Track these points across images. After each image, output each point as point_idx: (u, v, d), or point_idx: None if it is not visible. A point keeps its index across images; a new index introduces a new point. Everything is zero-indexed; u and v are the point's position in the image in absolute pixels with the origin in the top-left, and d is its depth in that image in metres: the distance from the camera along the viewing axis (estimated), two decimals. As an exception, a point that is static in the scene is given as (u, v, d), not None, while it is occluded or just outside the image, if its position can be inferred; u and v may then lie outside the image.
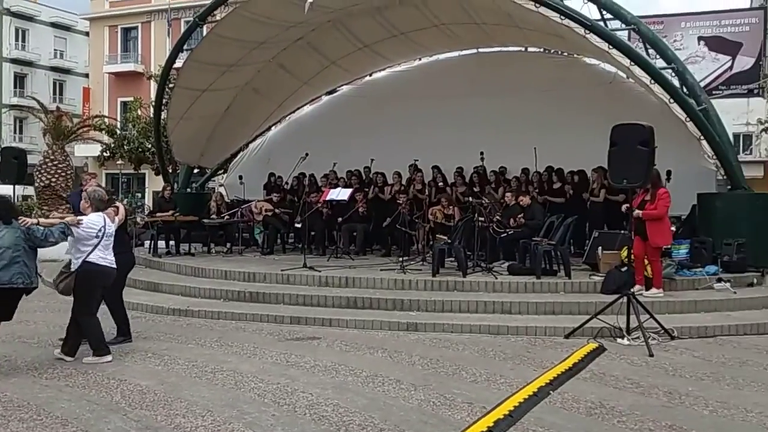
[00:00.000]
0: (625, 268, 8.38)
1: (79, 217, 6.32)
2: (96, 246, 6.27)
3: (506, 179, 12.85)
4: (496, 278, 9.26)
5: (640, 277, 8.50)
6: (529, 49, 14.50)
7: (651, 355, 6.52)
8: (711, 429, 4.66)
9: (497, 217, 10.80)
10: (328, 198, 11.84)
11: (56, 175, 19.57)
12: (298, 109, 16.42)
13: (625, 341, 7.01)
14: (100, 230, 6.30)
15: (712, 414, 4.95)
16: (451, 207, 11.54)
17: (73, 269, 6.32)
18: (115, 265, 6.48)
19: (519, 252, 10.23)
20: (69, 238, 6.31)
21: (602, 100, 12.52)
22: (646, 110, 10.84)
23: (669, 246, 9.44)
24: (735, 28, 27.75)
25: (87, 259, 6.25)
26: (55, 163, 19.98)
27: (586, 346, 6.84)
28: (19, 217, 6.08)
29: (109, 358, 6.37)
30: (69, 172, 19.94)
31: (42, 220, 6.28)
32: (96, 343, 6.40)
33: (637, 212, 8.19)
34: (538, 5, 9.73)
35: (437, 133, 14.15)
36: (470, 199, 11.34)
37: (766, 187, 25.72)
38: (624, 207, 8.40)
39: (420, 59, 15.60)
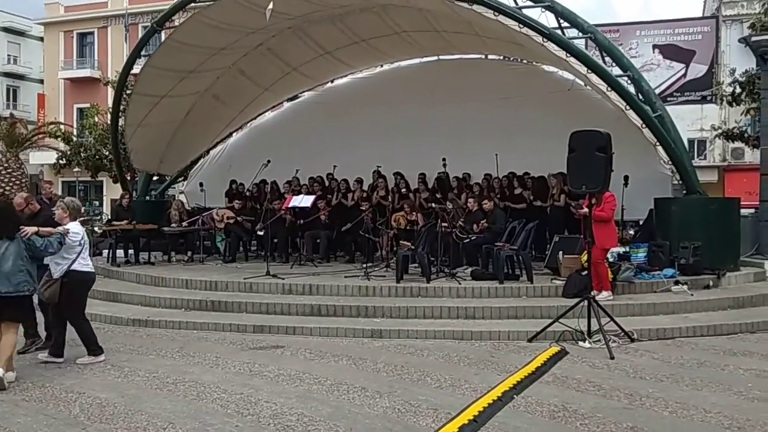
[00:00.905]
0: (585, 272, 8.51)
1: (65, 227, 6.52)
2: (79, 254, 6.56)
3: (468, 185, 12.94)
4: (460, 283, 9.31)
5: (596, 281, 8.61)
6: (489, 57, 14.67)
7: (612, 358, 6.62)
8: (671, 430, 4.75)
9: (460, 223, 10.86)
10: (290, 205, 11.78)
11: (10, 183, 19.09)
12: (260, 115, 16.30)
13: (587, 344, 7.10)
14: (82, 238, 6.61)
15: (671, 415, 5.05)
16: (414, 213, 11.58)
17: (56, 277, 6.51)
18: (94, 269, 6.85)
19: (482, 257, 10.28)
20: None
21: (561, 107, 12.70)
22: (603, 117, 11.08)
23: (620, 250, 9.63)
24: (688, 36, 28.55)
25: (72, 268, 6.53)
26: (9, 170, 19.47)
27: (548, 350, 6.91)
28: (21, 228, 6.23)
29: (102, 357, 6.71)
30: (24, 180, 19.47)
31: (41, 229, 6.40)
32: (91, 344, 6.73)
33: (583, 210, 8.28)
34: (497, 14, 9.85)
35: (400, 140, 14.19)
36: (433, 205, 11.40)
37: (721, 192, 26.48)
38: (572, 207, 8.51)
39: (381, 66, 15.64)
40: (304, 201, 11.60)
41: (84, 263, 6.64)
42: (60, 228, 6.51)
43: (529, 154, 12.74)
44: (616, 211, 8.80)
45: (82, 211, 7.02)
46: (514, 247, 9.76)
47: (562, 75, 13.12)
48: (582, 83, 12.25)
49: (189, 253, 13.12)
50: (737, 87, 18.15)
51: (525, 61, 14.29)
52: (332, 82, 15.96)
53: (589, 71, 10.33)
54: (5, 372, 5.85)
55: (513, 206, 12.16)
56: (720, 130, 21.05)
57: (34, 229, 6.28)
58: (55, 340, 6.79)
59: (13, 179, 19.21)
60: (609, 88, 10.45)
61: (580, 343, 7.16)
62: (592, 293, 8.25)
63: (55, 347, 6.76)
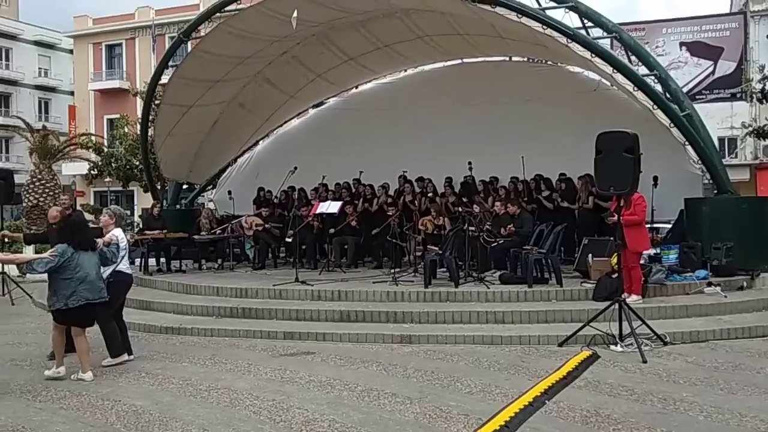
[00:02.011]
0: (615, 275, 8.42)
1: (109, 234, 7.01)
2: (123, 258, 7.07)
3: (495, 188, 12.89)
4: (488, 288, 9.28)
5: (637, 285, 8.51)
6: (513, 59, 14.60)
7: (644, 362, 6.55)
8: (706, 434, 4.69)
9: (487, 227, 10.82)
10: (318, 211, 11.83)
11: (44, 194, 19.49)
12: (286, 122, 16.42)
13: (619, 348, 7.04)
14: (125, 244, 7.19)
15: (706, 419, 4.98)
16: (441, 217, 11.55)
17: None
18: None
19: (510, 261, 10.24)
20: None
21: (587, 108, 12.60)
22: (630, 117, 10.98)
23: (651, 251, 9.51)
24: (716, 33, 28.09)
25: (117, 269, 7.02)
26: (43, 182, 19.89)
27: (579, 354, 6.86)
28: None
29: (124, 357, 7.01)
30: (57, 190, 19.85)
31: (104, 239, 6.92)
32: (115, 344, 7.01)
33: (614, 219, 8.21)
34: (520, 16, 9.81)
35: (425, 144, 14.20)
36: (460, 209, 11.38)
37: (753, 190, 26.01)
38: (609, 218, 8.45)
39: (405, 71, 15.66)
40: (331, 207, 11.65)
41: (126, 266, 7.23)
42: (110, 236, 7.00)
43: (555, 156, 12.63)
44: (646, 212, 8.68)
45: (126, 219, 7.41)
46: (543, 251, 9.70)
47: (588, 75, 13.02)
48: (608, 83, 12.15)
49: (219, 261, 13.25)
50: (767, 83, 17.83)
51: (549, 63, 14.19)
52: (357, 87, 16.02)
53: (615, 71, 10.23)
54: (86, 372, 6.43)
55: (542, 207, 12.07)
56: (750, 128, 20.71)
57: (106, 239, 6.90)
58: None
59: (47, 190, 19.60)
60: (636, 88, 10.34)
61: (612, 347, 7.10)
62: (623, 296, 8.17)
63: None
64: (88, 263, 6.46)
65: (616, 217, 8.07)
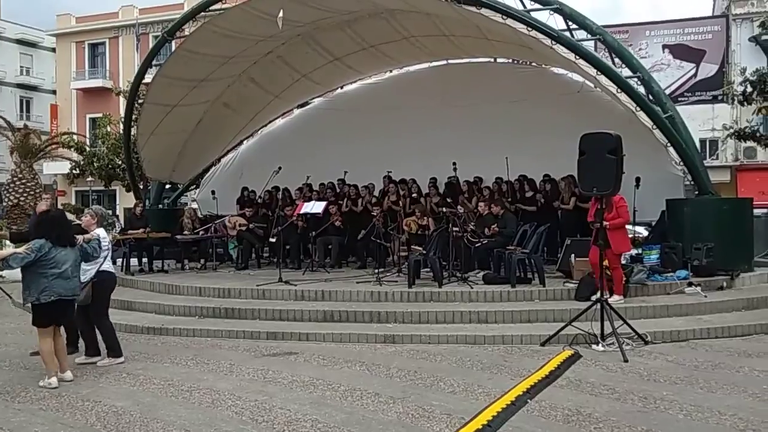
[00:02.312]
0: (599, 274, 8.47)
1: (91, 233, 6.98)
2: (106, 258, 7.07)
3: (479, 189, 12.94)
4: (472, 288, 9.31)
5: (618, 285, 8.59)
6: (498, 60, 14.65)
7: (626, 361, 6.60)
8: (686, 432, 4.73)
9: (471, 227, 10.86)
10: (302, 211, 11.81)
11: (25, 194, 19.31)
12: (270, 122, 16.37)
13: (600, 347, 7.08)
14: (109, 243, 7.20)
15: (686, 418, 5.02)
16: (425, 218, 11.58)
17: (87, 279, 6.89)
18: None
19: (493, 261, 10.30)
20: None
21: (571, 109, 12.65)
22: (613, 119, 11.05)
23: (633, 252, 9.60)
24: (698, 35, 28.38)
25: (101, 269, 7.03)
26: (24, 181, 19.69)
27: (562, 354, 6.90)
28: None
29: (122, 359, 7.03)
30: (38, 190, 19.67)
31: (84, 236, 6.84)
32: (114, 344, 7.09)
33: (605, 224, 8.26)
34: (504, 17, 9.85)
35: (410, 145, 14.21)
36: (444, 209, 11.41)
37: (733, 192, 26.32)
38: (591, 224, 8.50)
39: (390, 71, 15.67)
40: (316, 207, 11.64)
41: (109, 265, 7.24)
42: (93, 234, 6.99)
43: (539, 157, 12.69)
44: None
45: (108, 218, 7.40)
46: (526, 251, 9.76)
47: (572, 77, 13.09)
48: (592, 85, 12.21)
49: (202, 261, 13.19)
50: (748, 86, 18.04)
51: (534, 64, 14.25)
52: (342, 88, 16.00)
53: (599, 73, 10.30)
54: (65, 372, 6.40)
55: (524, 209, 12.14)
56: (732, 130, 20.92)
57: (87, 236, 6.85)
58: (90, 341, 7.19)
59: (28, 190, 19.41)
60: (619, 90, 10.42)
61: (594, 346, 7.14)
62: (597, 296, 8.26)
63: (91, 348, 7.18)
64: (65, 259, 6.37)
65: (601, 224, 8.13)
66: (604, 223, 8.16)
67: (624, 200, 8.55)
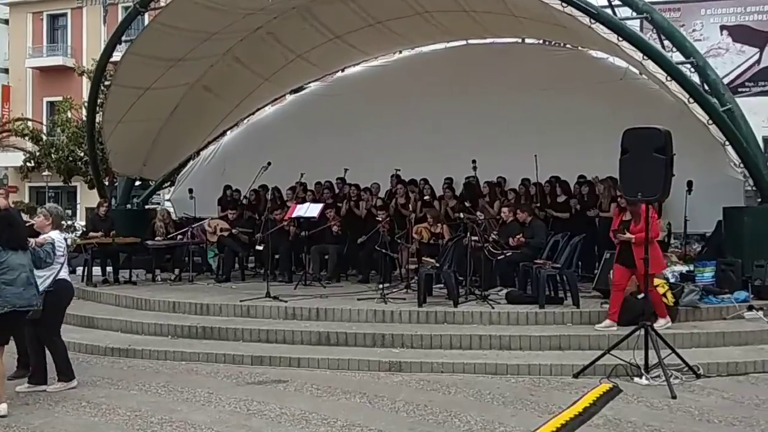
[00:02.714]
0: (642, 295, 8.45)
1: (44, 236, 7.00)
2: (63, 264, 7.10)
3: (503, 191, 12.93)
4: (493, 308, 9.30)
5: (614, 310, 8.56)
6: (527, 41, 14.67)
7: (673, 397, 6.58)
8: (744, 483, 4.71)
9: (493, 236, 10.85)
10: (294, 215, 11.82)
11: (-30, 190, 19.32)
12: (259, 110, 16.41)
13: (644, 380, 7.06)
14: (65, 248, 7.23)
15: (745, 465, 5.01)
16: (439, 224, 11.58)
17: (42, 289, 6.81)
18: None
19: (519, 277, 10.27)
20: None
21: (612, 100, 12.67)
22: (662, 111, 11.04)
23: (683, 269, 9.55)
24: (763, 15, 28.26)
25: (58, 278, 7.03)
26: (-31, 175, 19.74)
27: (598, 388, 6.88)
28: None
29: (75, 383, 7.07)
30: (-15, 185, 19.72)
31: (38, 240, 6.89)
32: (65, 367, 7.11)
33: (628, 236, 8.26)
34: (536, -10, 9.87)
35: (422, 139, 14.22)
36: (461, 215, 11.40)
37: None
38: (614, 233, 8.51)
39: (400, 52, 15.69)
40: (311, 210, 11.64)
41: (66, 273, 7.25)
42: (44, 237, 6.98)
43: (574, 156, 12.71)
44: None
45: (65, 219, 7.44)
46: (557, 265, 9.73)
47: (613, 62, 13.10)
48: (636, 72, 12.22)
49: (176, 271, 13.21)
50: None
51: (569, 46, 14.27)
52: (343, 71, 16.03)
53: (645, 57, 10.29)
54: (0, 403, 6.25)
55: (555, 216, 12.13)
56: (802, 126, 20.84)
57: (39, 239, 6.90)
58: (37, 365, 7.10)
59: (-26, 184, 19.47)
60: (669, 78, 10.39)
61: (636, 379, 7.12)
62: (604, 324, 8.42)
63: (38, 373, 7.09)
64: (18, 264, 6.39)
65: (630, 235, 8.12)
66: (628, 235, 8.17)
67: (655, 210, 8.46)
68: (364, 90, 15.33)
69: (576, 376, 7.34)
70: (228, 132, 16.56)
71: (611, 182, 11.20)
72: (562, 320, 9.02)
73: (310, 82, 16.25)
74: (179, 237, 13.27)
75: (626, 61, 11.85)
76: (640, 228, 8.16)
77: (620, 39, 10.14)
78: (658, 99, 11.75)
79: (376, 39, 14.49)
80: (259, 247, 11.97)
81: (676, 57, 11.07)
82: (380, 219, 11.94)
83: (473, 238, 10.34)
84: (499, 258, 10.57)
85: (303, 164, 14.09)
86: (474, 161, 13.08)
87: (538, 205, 12.29)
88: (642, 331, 7.28)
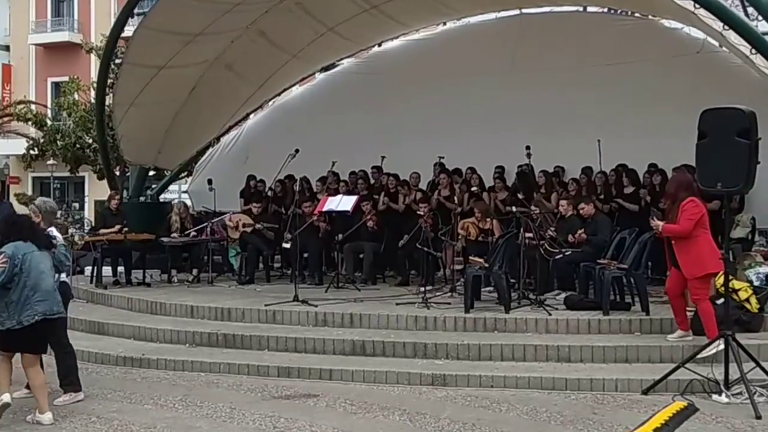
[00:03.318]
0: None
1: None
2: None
3: (561, 182, 12.84)
4: (550, 314, 9.25)
5: (680, 319, 8.44)
6: (589, 9, 14.55)
7: (758, 417, 6.49)
8: None
9: (550, 233, 10.79)
10: (325, 209, 11.86)
11: (-32, 181, 19.65)
12: (285, 90, 16.51)
13: (724, 398, 6.99)
14: (65, 246, 7.28)
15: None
16: (488, 220, 11.54)
17: None
18: None
19: (579, 279, 10.21)
20: None
21: (687, 76, 12.55)
22: (745, 89, 10.90)
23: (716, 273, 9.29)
24: None
25: (63, 280, 7.26)
26: (-33, 165, 20.10)
27: (671, 406, 6.78)
28: None
29: (82, 396, 7.19)
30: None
31: None
32: (74, 376, 7.27)
33: (656, 223, 8.18)
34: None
35: (469, 122, 14.19)
36: (514, 209, 11.34)
37: None
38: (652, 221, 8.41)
39: (444, 24, 15.68)
40: (344, 203, 11.66)
41: (65, 274, 7.45)
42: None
43: (643, 140, 12.58)
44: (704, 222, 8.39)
45: (58, 214, 7.63)
46: (624, 266, 9.64)
47: (689, 33, 12.97)
48: (716, 44, 12.05)
49: (194, 272, 13.33)
50: None
51: (637, 15, 14.12)
52: (379, 45, 16.06)
53: (726, 27, 10.14)
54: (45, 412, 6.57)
55: (623, 206, 12.01)
56: None
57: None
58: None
59: (-28, 175, 19.81)
60: (754, 51, 10.22)
61: (715, 396, 7.05)
62: (675, 335, 8.32)
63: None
64: (43, 266, 6.56)
65: (656, 222, 8.07)
66: (656, 222, 8.13)
67: (696, 204, 8.15)
68: (403, 67, 15.33)
69: (645, 392, 7.28)
70: (251, 115, 16.69)
71: (688, 171, 11.05)
72: (629, 329, 8.93)
73: (342, 59, 16.30)
74: (197, 233, 13.39)
75: (704, 32, 11.70)
76: (675, 221, 8.04)
77: (697, 6, 9.98)
78: (741, 75, 11.61)
79: (417, 9, 14.48)
80: (286, 245, 12.03)
81: (762, 26, 10.89)
82: (422, 213, 11.92)
83: (527, 234, 10.29)
84: (556, 258, 10.50)
85: (335, 151, 14.14)
86: (528, 148, 12.94)
87: (602, 197, 12.19)
88: (722, 342, 7.18)
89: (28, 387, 7.17)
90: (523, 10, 14.96)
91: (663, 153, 12.01)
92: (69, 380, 7.23)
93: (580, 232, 10.41)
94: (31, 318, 6.40)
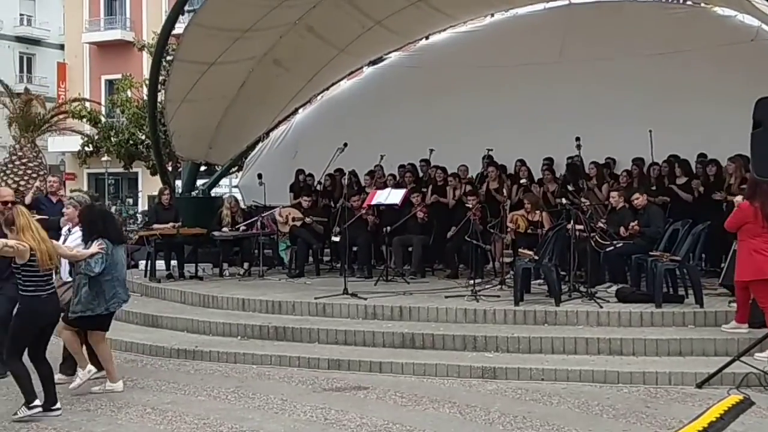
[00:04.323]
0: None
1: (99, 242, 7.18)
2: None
3: (612, 173, 12.69)
4: (601, 307, 9.16)
5: (742, 311, 8.29)
6: (640, -2, 14.38)
7: (816, 411, 6.38)
8: None
9: (601, 225, 10.68)
10: (374, 202, 11.88)
11: (26, 176, 19.93)
12: (333, 85, 16.55)
13: (781, 392, 6.88)
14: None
15: None
16: (537, 212, 11.47)
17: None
18: None
19: (631, 271, 10.11)
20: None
21: (741, 65, 12.33)
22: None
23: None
24: None
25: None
26: (24, 161, 20.46)
27: (726, 400, 6.70)
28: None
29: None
30: (42, 171, 20.40)
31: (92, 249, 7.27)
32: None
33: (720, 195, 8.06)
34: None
35: (517, 114, 14.11)
36: (564, 200, 11.25)
37: None
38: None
39: (492, 15, 15.59)
40: (392, 196, 11.67)
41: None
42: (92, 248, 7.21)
43: (696, 131, 12.40)
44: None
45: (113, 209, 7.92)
46: (677, 258, 9.52)
47: (743, 20, 12.73)
48: (771, 31, 11.81)
49: (246, 265, 13.45)
50: None
51: (690, 3, 13.92)
52: (427, 38, 16.03)
53: (783, 14, 9.95)
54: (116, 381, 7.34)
55: (678, 195, 11.84)
56: None
57: (94, 247, 7.13)
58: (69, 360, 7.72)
59: (29, 171, 20.16)
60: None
61: (771, 390, 6.94)
62: (729, 325, 8.23)
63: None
64: (122, 259, 7.22)
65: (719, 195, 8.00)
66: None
67: (745, 203, 8.10)
68: (450, 60, 15.29)
69: (700, 386, 7.19)
70: (300, 110, 16.77)
71: (742, 161, 10.85)
72: (682, 321, 8.81)
73: (390, 53, 16.29)
74: (247, 228, 13.49)
75: (758, 19, 11.45)
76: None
77: (752, -8, 9.82)
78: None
79: (464, 0, 14.40)
80: (336, 239, 12.08)
81: (818, 12, 10.63)
82: (470, 206, 11.88)
83: (578, 226, 10.20)
84: (608, 250, 10.40)
85: (383, 145, 14.17)
86: (578, 139, 12.77)
87: (654, 188, 12.03)
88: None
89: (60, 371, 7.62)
90: (572, 0, 14.82)
91: (716, 143, 11.85)
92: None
93: (633, 224, 10.30)
94: (117, 305, 7.25)
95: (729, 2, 11.53)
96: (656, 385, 7.33)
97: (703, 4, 13.51)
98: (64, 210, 7.80)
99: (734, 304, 8.94)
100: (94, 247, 6.95)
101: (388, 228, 12.22)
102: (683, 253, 9.55)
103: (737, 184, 11.23)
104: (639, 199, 10.48)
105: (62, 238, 7.54)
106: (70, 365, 7.68)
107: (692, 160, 12.26)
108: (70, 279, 7.45)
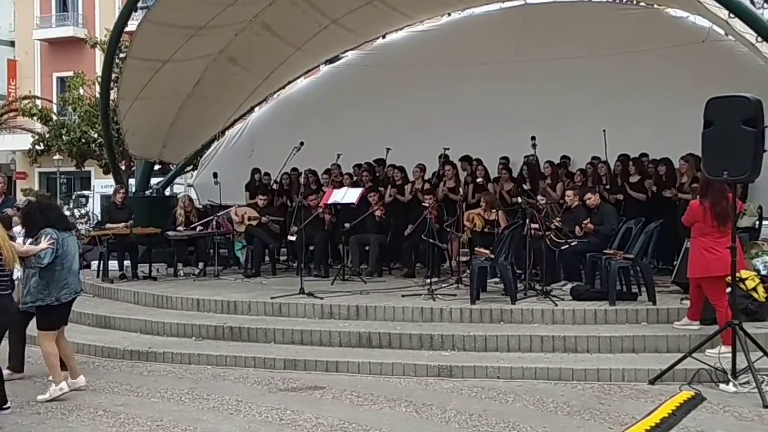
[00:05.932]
0: (730, 290, 8.30)
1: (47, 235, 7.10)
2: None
3: (567, 172, 12.80)
4: (556, 305, 9.23)
5: (695, 309, 8.41)
6: (594, -1, 14.53)
7: (765, 406, 6.49)
8: None
9: (556, 223, 10.76)
10: (331, 201, 11.85)
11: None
12: (290, 83, 16.49)
13: (731, 387, 6.98)
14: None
15: None
16: (493, 211, 11.52)
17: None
18: None
19: (585, 269, 10.19)
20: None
21: (693, 65, 12.51)
22: (751, 78, 10.86)
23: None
24: None
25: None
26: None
27: (678, 396, 6.81)
28: None
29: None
30: (-9, 171, 20.07)
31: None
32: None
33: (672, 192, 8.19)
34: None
35: (474, 113, 14.15)
36: (519, 199, 11.33)
37: None
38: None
39: (449, 14, 15.63)
40: (349, 195, 11.66)
41: None
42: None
43: (649, 130, 12.55)
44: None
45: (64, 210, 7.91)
46: (630, 256, 9.63)
47: (694, 21, 12.92)
48: (722, 32, 12.01)
49: (200, 265, 13.35)
50: None
51: (643, 4, 14.08)
52: (384, 37, 16.02)
53: (732, 15, 10.09)
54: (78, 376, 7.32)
55: (630, 196, 11.97)
56: None
57: (43, 244, 7.08)
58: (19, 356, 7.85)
59: (-22, 170, 19.83)
60: (760, 39, 10.18)
61: (722, 386, 7.05)
62: (681, 322, 8.37)
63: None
64: (74, 250, 7.15)
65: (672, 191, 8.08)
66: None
67: (695, 204, 8.26)
68: (407, 59, 15.30)
69: (652, 382, 7.28)
70: (256, 109, 16.68)
71: (693, 160, 11.02)
72: (635, 319, 8.92)
73: (346, 51, 16.27)
74: (202, 227, 13.39)
75: (709, 20, 11.65)
76: None
77: (702, -6, 9.97)
78: (747, 63, 11.56)
79: (421, 0, 14.43)
80: (292, 238, 12.03)
81: (768, 14, 10.85)
82: (427, 205, 11.91)
83: (533, 225, 10.27)
84: (562, 248, 10.48)
85: (340, 144, 14.13)
86: (533, 138, 12.92)
87: (608, 187, 12.16)
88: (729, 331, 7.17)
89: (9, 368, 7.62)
90: (528, 0, 14.93)
91: (668, 142, 11.99)
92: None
93: (586, 222, 10.40)
94: (68, 296, 7.13)
95: (681, 4, 11.70)
96: (610, 381, 7.40)
97: (655, 6, 13.67)
98: (20, 212, 7.80)
99: (686, 302, 9.08)
100: (44, 243, 6.87)
101: (347, 224, 12.22)
102: (636, 251, 9.67)
103: (689, 183, 11.42)
104: (591, 199, 10.58)
105: (20, 239, 7.54)
106: (17, 362, 7.76)
107: (646, 159, 12.40)
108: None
